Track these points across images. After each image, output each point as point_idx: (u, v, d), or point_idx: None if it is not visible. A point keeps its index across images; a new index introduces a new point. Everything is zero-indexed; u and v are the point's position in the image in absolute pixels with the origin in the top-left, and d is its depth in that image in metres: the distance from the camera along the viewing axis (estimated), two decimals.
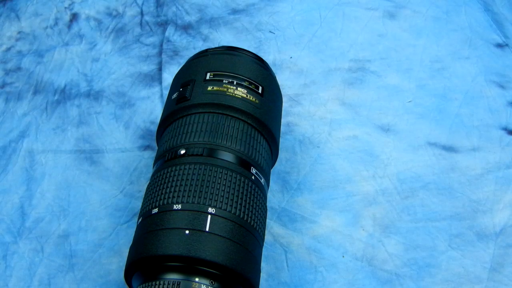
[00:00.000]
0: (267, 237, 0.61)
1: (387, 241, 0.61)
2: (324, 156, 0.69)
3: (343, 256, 0.59)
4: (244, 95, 0.57)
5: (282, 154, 0.68)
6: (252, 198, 0.51)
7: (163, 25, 0.86)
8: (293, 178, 0.66)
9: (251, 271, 0.47)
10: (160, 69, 0.80)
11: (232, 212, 0.48)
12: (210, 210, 0.47)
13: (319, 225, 0.62)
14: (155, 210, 0.48)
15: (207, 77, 0.57)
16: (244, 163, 0.52)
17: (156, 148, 0.61)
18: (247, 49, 0.64)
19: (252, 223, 0.49)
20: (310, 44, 0.83)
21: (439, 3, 0.88)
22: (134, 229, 0.52)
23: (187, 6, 0.89)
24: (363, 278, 0.58)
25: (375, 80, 0.77)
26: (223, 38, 0.84)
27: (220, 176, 0.50)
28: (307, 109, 0.74)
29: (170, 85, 0.64)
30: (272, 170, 0.63)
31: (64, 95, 0.77)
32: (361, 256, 0.60)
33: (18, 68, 0.81)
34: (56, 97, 0.76)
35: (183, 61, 0.74)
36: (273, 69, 0.67)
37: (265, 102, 0.58)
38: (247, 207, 0.49)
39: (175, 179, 0.50)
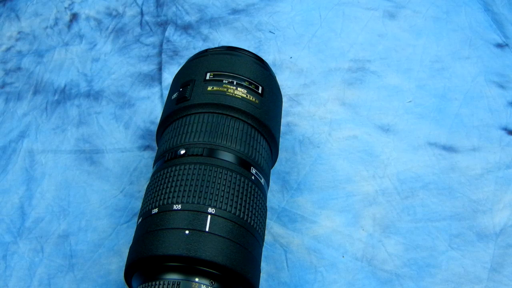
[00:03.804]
0: (267, 237, 0.61)
1: (387, 241, 0.61)
2: (324, 156, 0.69)
3: (343, 256, 0.60)
4: (244, 95, 0.57)
5: (282, 154, 0.68)
6: (252, 198, 0.51)
7: (163, 25, 0.86)
8: (293, 178, 0.66)
9: (251, 271, 0.47)
10: (160, 69, 0.80)
11: (232, 212, 0.48)
12: (210, 210, 0.47)
13: (319, 225, 0.62)
14: (155, 210, 0.48)
15: (207, 77, 0.57)
16: (244, 163, 0.52)
17: (156, 148, 0.61)
18: (247, 49, 0.64)
19: (252, 223, 0.49)
20: (310, 44, 0.83)
21: (439, 3, 0.88)
22: (134, 229, 0.52)
23: (187, 6, 0.89)
24: (363, 278, 0.58)
25: (375, 80, 0.77)
26: (223, 38, 0.84)
27: (220, 176, 0.50)
28: (307, 109, 0.74)
29: (170, 85, 0.64)
30: (272, 170, 0.62)
31: (64, 95, 0.77)
32: (361, 256, 0.60)
33: (18, 68, 0.81)
34: (56, 97, 0.76)
35: (183, 61, 0.74)
36: (273, 69, 0.67)
37: (265, 102, 0.58)
38: (247, 207, 0.49)
39: (175, 179, 0.50)
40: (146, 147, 0.70)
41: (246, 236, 0.48)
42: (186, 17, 0.87)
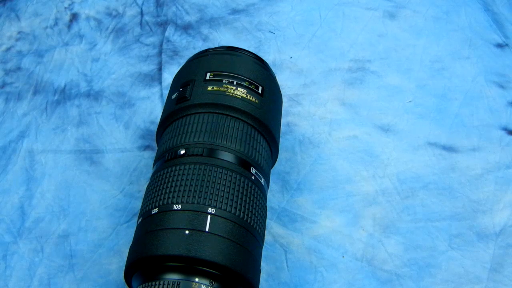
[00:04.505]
0: (267, 237, 0.61)
1: (387, 241, 0.61)
2: (324, 156, 0.69)
3: (343, 256, 0.60)
4: (244, 95, 0.57)
5: (282, 154, 0.68)
6: (252, 198, 0.51)
7: (163, 25, 0.86)
8: (293, 178, 0.66)
9: (251, 271, 0.47)
10: (160, 69, 0.80)
11: (232, 212, 0.48)
12: (210, 210, 0.47)
13: (319, 225, 0.62)
14: (155, 210, 0.48)
15: (207, 77, 0.57)
16: (244, 163, 0.52)
17: (156, 148, 0.62)
18: (247, 49, 0.64)
19: (252, 223, 0.49)
20: (310, 44, 0.83)
21: (439, 3, 0.88)
22: (134, 229, 0.52)
23: (187, 6, 0.89)
24: (363, 278, 0.58)
25: (375, 80, 0.77)
26: (223, 38, 0.84)
27: (220, 176, 0.50)
28: (307, 109, 0.74)
29: (170, 85, 0.64)
30: (272, 170, 0.62)
31: (64, 95, 0.77)
32: (361, 256, 0.60)
33: (18, 68, 0.81)
34: (56, 97, 0.76)
35: (183, 61, 0.74)
36: (273, 69, 0.67)
37: (265, 102, 0.58)
38: (247, 207, 0.49)
39: (175, 179, 0.50)
40: (146, 147, 0.70)
41: (246, 236, 0.48)
42: (186, 17, 0.87)
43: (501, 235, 0.61)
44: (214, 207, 0.48)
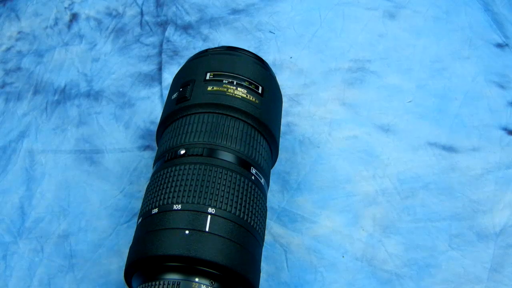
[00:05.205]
0: (267, 237, 0.61)
1: (387, 241, 0.61)
2: (324, 156, 0.69)
3: (343, 256, 0.60)
4: (244, 95, 0.57)
5: (282, 154, 0.68)
6: (252, 198, 0.51)
7: (163, 25, 0.86)
8: (293, 178, 0.66)
9: (251, 271, 0.47)
10: (160, 69, 0.80)
11: (232, 212, 0.48)
12: (210, 210, 0.47)
13: (319, 225, 0.62)
14: (155, 210, 0.48)
15: (207, 77, 0.57)
16: (244, 163, 0.52)
17: (156, 148, 0.62)
18: (247, 49, 0.64)
19: (252, 223, 0.49)
20: (310, 44, 0.83)
21: (439, 3, 0.88)
22: (134, 229, 0.52)
23: (187, 6, 0.89)
24: (363, 278, 0.58)
25: (375, 80, 0.77)
26: (223, 38, 0.84)
27: (220, 176, 0.50)
28: (307, 109, 0.74)
29: (170, 85, 0.64)
30: (272, 170, 0.62)
31: (64, 95, 0.77)
32: (361, 256, 0.60)
33: (18, 68, 0.81)
34: (56, 97, 0.76)
35: (183, 61, 0.74)
36: (273, 69, 0.67)
37: (265, 102, 0.58)
38: (247, 207, 0.49)
39: (175, 179, 0.50)
40: (146, 147, 0.70)
41: (246, 236, 0.48)
42: (186, 17, 0.87)
43: (501, 235, 0.61)
44: (214, 207, 0.48)
